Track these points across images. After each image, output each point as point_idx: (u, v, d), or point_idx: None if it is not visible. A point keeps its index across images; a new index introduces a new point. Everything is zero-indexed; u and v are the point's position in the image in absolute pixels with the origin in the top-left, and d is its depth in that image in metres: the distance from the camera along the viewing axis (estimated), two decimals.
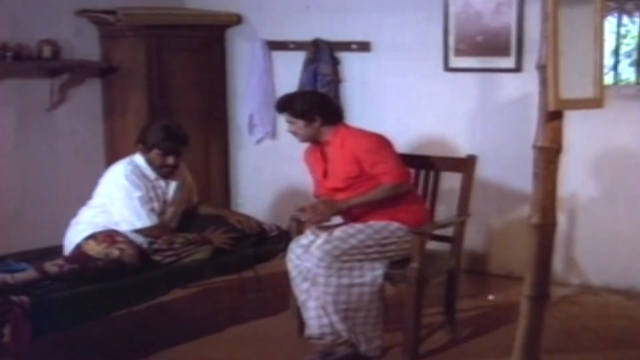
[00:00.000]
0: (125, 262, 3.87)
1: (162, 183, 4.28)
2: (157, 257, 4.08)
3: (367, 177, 4.03)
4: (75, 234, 4.12)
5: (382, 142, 4.08)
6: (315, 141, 4.19)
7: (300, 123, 4.13)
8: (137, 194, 4.14)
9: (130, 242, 4.01)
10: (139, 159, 4.26)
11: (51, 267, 3.75)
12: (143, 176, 4.21)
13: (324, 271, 3.81)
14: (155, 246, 4.11)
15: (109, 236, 3.99)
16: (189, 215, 4.51)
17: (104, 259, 3.84)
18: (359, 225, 3.97)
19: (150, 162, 4.24)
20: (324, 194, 4.19)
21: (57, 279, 3.73)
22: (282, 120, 4.37)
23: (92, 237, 4.01)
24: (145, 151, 4.24)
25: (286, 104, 4.19)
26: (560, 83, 2.56)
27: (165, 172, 4.27)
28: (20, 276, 3.68)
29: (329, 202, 4.09)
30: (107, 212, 4.16)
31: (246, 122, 6.09)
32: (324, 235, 3.93)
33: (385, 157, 4.03)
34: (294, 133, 4.19)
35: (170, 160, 4.23)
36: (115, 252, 3.87)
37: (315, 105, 4.13)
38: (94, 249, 3.90)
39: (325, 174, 4.18)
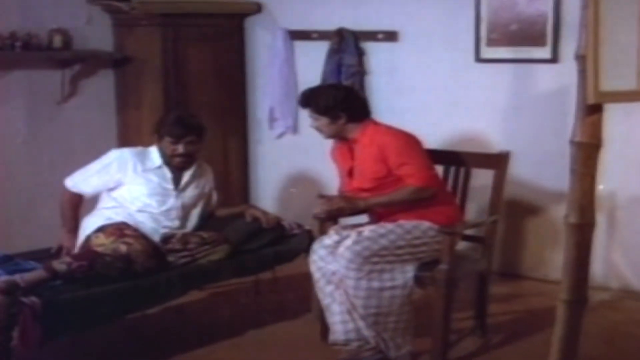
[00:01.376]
0: (133, 258, 3.88)
1: (167, 171, 4.31)
2: (171, 258, 4.09)
3: (395, 178, 4.02)
4: (87, 225, 4.20)
5: (411, 142, 4.06)
6: (342, 138, 4.18)
7: (324, 120, 4.12)
8: (98, 165, 4.30)
9: (140, 237, 4.03)
10: (152, 148, 4.37)
11: (59, 265, 3.77)
12: (140, 160, 4.29)
13: (354, 274, 3.80)
14: (169, 246, 4.13)
15: (118, 229, 4.05)
16: (206, 218, 4.54)
17: (111, 255, 3.86)
18: (389, 225, 3.96)
19: (162, 152, 4.32)
20: (349, 193, 4.19)
21: (66, 278, 3.75)
22: (305, 114, 4.37)
23: (102, 229, 4.08)
24: (158, 140, 4.33)
25: (309, 99, 4.18)
26: (601, 74, 2.54)
27: (176, 162, 4.30)
28: (29, 276, 3.70)
29: (348, 198, 4.08)
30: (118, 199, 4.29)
31: (266, 115, 6.10)
32: (353, 236, 3.91)
33: (412, 159, 4.01)
34: (318, 129, 4.19)
35: (180, 148, 4.27)
36: (122, 247, 3.89)
37: (340, 101, 4.11)
38: (102, 243, 3.96)
39: (351, 173, 4.17)
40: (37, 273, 3.75)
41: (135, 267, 3.89)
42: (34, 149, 5.36)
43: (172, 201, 4.31)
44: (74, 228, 4.26)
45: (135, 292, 3.89)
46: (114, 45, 5.72)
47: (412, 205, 4.01)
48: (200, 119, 4.47)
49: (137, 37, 5.68)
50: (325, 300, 4.00)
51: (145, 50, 5.64)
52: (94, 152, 5.52)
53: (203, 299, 4.88)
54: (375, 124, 4.17)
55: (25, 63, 5.23)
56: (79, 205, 4.35)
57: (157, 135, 4.34)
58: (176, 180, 4.35)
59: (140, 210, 4.23)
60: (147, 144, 4.44)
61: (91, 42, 5.56)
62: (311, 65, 5.78)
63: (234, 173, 6.10)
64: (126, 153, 4.35)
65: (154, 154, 4.34)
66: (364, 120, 4.15)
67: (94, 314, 3.72)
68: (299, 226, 4.59)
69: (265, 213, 4.59)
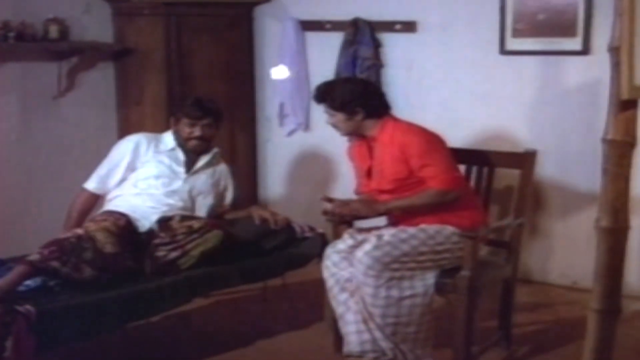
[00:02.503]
0: (92, 237, 3.94)
1: (180, 154, 4.47)
2: (160, 253, 4.10)
3: (416, 180, 4.01)
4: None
5: (434, 142, 4.04)
6: (360, 135, 4.18)
7: (340, 116, 4.12)
8: (115, 155, 4.50)
9: (103, 219, 4.09)
10: (166, 133, 4.56)
11: (33, 255, 3.84)
12: (154, 143, 4.48)
13: (373, 281, 3.79)
14: (157, 241, 4.14)
15: (99, 215, 4.23)
16: (214, 218, 4.56)
17: (74, 236, 3.94)
18: (411, 229, 3.94)
19: (177, 135, 4.49)
20: (368, 194, 4.19)
21: (44, 268, 3.79)
22: (317, 110, 4.37)
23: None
24: (175, 123, 4.53)
25: (325, 94, 4.17)
26: (636, 67, 2.52)
27: (192, 144, 4.47)
28: (8, 278, 3.73)
29: (367, 201, 4.08)
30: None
31: (276, 111, 6.10)
32: (372, 240, 3.90)
33: (435, 160, 3.99)
34: (335, 126, 4.18)
35: (197, 131, 4.45)
36: (78, 231, 4.00)
37: (358, 96, 4.10)
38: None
39: (369, 173, 4.17)
40: (15, 270, 3.78)
41: (99, 244, 3.92)
42: (28, 147, 5.37)
43: (179, 184, 4.43)
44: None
45: (138, 299, 3.90)
46: (113, 36, 5.73)
47: (435, 209, 4.00)
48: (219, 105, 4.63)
49: (138, 27, 5.69)
50: (339, 309, 4.00)
51: (147, 41, 5.65)
52: (92, 151, 5.56)
53: (208, 306, 4.89)
54: (395, 120, 4.16)
55: (19, 55, 5.24)
56: (91, 209, 4.48)
57: (174, 118, 4.56)
58: (189, 164, 4.48)
59: (139, 194, 4.33)
60: None
61: (89, 33, 5.57)
62: (324, 58, 5.78)
63: (241, 173, 6.09)
64: (140, 137, 4.55)
65: (167, 138, 4.54)
66: (383, 116, 4.14)
67: (92, 322, 3.72)
68: (311, 229, 4.59)
69: (273, 214, 4.61)
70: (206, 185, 4.54)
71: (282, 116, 6.10)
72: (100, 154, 5.51)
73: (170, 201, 4.37)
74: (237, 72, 6.08)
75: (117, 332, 4.17)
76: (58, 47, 5.35)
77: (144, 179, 4.39)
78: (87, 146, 5.62)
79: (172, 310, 4.22)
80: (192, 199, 4.46)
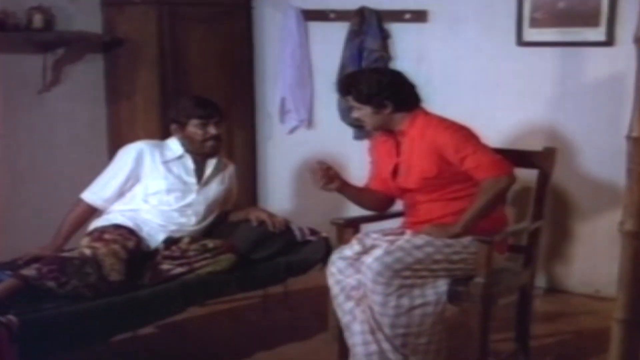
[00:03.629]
0: (100, 262, 3.91)
1: (189, 161, 4.46)
2: (164, 266, 4.10)
3: (446, 180, 3.99)
4: (88, 228, 4.35)
5: (466, 132, 4.00)
6: (388, 130, 4.16)
7: (366, 109, 4.08)
8: (115, 165, 4.46)
9: (112, 241, 4.07)
10: (170, 140, 4.52)
11: (29, 270, 3.82)
12: (159, 151, 4.44)
13: (382, 289, 3.77)
14: (166, 252, 4.16)
15: (101, 232, 4.18)
16: (219, 220, 4.60)
17: (79, 258, 3.91)
18: (425, 236, 3.93)
19: (187, 141, 4.45)
20: (381, 191, 4.20)
21: (38, 286, 3.77)
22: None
23: (91, 232, 4.24)
24: (181, 129, 4.46)
25: (350, 86, 4.12)
26: None
27: (209, 146, 4.46)
28: None
29: (441, 225, 3.97)
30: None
31: (277, 107, 6.11)
32: (383, 245, 3.89)
33: (472, 148, 3.93)
34: (360, 120, 4.16)
35: (212, 130, 4.44)
36: (86, 251, 3.97)
37: (386, 87, 4.05)
38: (81, 245, 4.08)
39: (395, 171, 4.16)
40: (7, 282, 3.77)
41: (105, 271, 3.90)
42: (12, 144, 5.37)
43: (192, 197, 4.44)
44: (63, 245, 4.31)
45: (128, 308, 3.88)
46: (102, 26, 5.73)
47: (454, 211, 3.99)
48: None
49: (129, 16, 5.69)
50: (344, 318, 3.99)
51: (139, 32, 5.65)
52: (80, 148, 5.56)
53: (204, 316, 4.89)
54: (427, 114, 4.11)
55: (0, 46, 5.23)
56: (86, 222, 4.44)
57: (176, 124, 4.48)
58: (199, 172, 4.49)
59: (149, 210, 4.34)
60: (141, 137, 4.49)
61: (77, 22, 5.57)
62: (328, 50, 5.78)
63: (240, 173, 6.07)
64: (142, 145, 4.49)
65: (173, 145, 4.50)
66: (414, 109, 4.12)
67: (78, 333, 3.71)
68: (314, 232, 4.59)
69: (271, 215, 4.61)
70: (219, 194, 4.57)
71: (283, 112, 6.11)
72: (89, 151, 5.54)
73: (182, 219, 4.38)
74: (235, 65, 6.09)
75: (105, 344, 4.15)
76: (43, 37, 5.35)
77: (154, 193, 4.38)
78: (74, 144, 5.62)
79: (164, 321, 4.22)
80: (207, 211, 4.49)
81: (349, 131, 5.60)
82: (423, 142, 4.01)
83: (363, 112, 4.08)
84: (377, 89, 4.02)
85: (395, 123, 4.09)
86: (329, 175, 4.13)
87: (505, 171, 3.94)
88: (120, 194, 4.42)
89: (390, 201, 4.32)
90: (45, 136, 5.53)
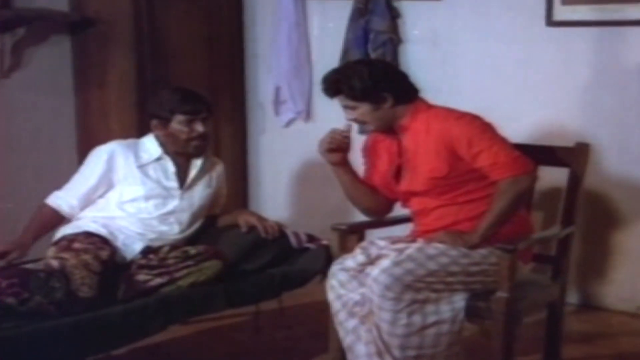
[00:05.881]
0: (69, 275, 3.91)
1: (169, 164, 4.45)
2: (140, 277, 4.12)
3: (458, 179, 3.99)
4: (55, 235, 4.34)
5: (479, 123, 4.00)
6: (390, 127, 4.16)
7: (365, 107, 4.06)
8: (84, 170, 4.45)
9: (84, 250, 4.08)
10: (146, 139, 4.51)
11: None
12: (133, 153, 4.42)
13: (391, 304, 3.78)
14: (143, 261, 4.17)
15: (70, 240, 4.18)
16: (203, 229, 4.62)
17: (45, 270, 3.92)
18: (439, 244, 3.95)
19: (170, 139, 4.44)
20: (380, 189, 4.22)
21: None
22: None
23: (58, 241, 4.24)
24: (163, 126, 4.44)
25: (339, 84, 4.08)
26: None
27: (195, 146, 4.45)
28: None
29: (454, 232, 3.98)
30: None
31: (271, 97, 6.13)
32: (391, 255, 3.89)
33: (487, 143, 3.92)
34: (361, 122, 4.14)
35: (199, 127, 4.42)
36: (54, 263, 3.97)
37: (382, 77, 4.05)
38: (47, 256, 4.09)
39: (398, 174, 4.17)
40: None
41: (74, 285, 3.91)
42: None
43: (175, 203, 4.45)
44: (29, 244, 4.32)
45: (99, 327, 3.87)
46: (69, 3, 5.73)
47: (470, 215, 4.00)
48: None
49: None
50: (347, 339, 4.00)
51: (112, 10, 5.65)
52: (44, 143, 5.55)
53: (186, 336, 4.90)
54: (429, 106, 4.12)
55: None
56: (54, 227, 4.43)
57: (158, 120, 4.46)
58: (181, 175, 4.48)
59: (125, 217, 4.35)
60: (114, 131, 4.49)
61: None
62: (329, 32, 5.80)
63: (228, 172, 6.08)
64: (114, 146, 4.46)
65: (149, 144, 4.48)
66: (414, 100, 4.13)
67: (42, 356, 3.72)
68: (312, 239, 4.60)
69: (262, 219, 4.62)
70: (206, 198, 4.57)
71: (278, 103, 6.13)
72: (55, 146, 5.53)
73: (164, 227, 4.40)
74: (223, 49, 6.10)
75: None
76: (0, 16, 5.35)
77: (131, 200, 4.37)
78: (38, 138, 5.61)
79: (140, 342, 4.20)
80: (192, 219, 4.50)
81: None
82: (429, 136, 4.00)
83: (361, 111, 4.06)
84: (372, 81, 4.01)
85: (396, 118, 4.09)
86: (338, 143, 4.16)
87: (525, 169, 3.95)
88: (91, 201, 4.42)
89: (390, 204, 4.32)
90: (3, 130, 5.53)
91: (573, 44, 5.25)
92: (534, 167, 3.99)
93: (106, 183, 4.40)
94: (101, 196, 4.41)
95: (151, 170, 4.43)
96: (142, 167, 4.41)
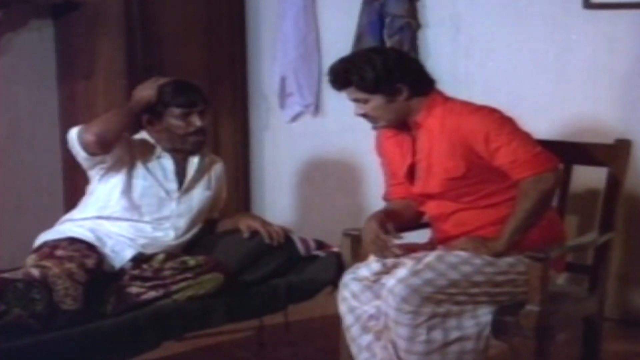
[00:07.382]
0: (51, 284, 3.91)
1: (168, 162, 4.48)
2: (133, 289, 4.12)
3: (477, 179, 4.00)
4: (37, 241, 4.35)
5: (500, 116, 4.00)
6: (403, 122, 4.15)
7: (378, 99, 4.05)
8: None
9: (67, 258, 4.08)
10: (140, 135, 4.52)
11: None
12: (140, 149, 4.46)
13: (409, 319, 3.78)
14: (135, 272, 4.16)
15: (53, 247, 4.18)
16: (201, 235, 4.63)
17: (24, 280, 3.91)
18: (461, 252, 3.94)
19: (164, 136, 4.46)
20: (402, 200, 4.22)
21: None
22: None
23: (40, 247, 4.25)
24: (158, 120, 4.46)
25: (349, 74, 4.07)
26: None
27: (193, 141, 4.47)
28: None
29: (477, 239, 3.98)
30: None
31: (276, 89, 6.14)
32: (408, 263, 3.88)
33: (509, 137, 3.92)
34: (373, 117, 4.12)
35: (196, 121, 4.44)
36: (34, 272, 3.96)
37: (396, 66, 4.04)
38: (27, 264, 4.09)
39: (411, 174, 4.17)
40: None
41: (57, 297, 3.91)
42: None
43: (171, 207, 4.46)
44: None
45: (86, 343, 3.88)
46: None
47: (491, 219, 4.00)
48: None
49: None
50: (360, 356, 4.00)
51: None
52: (25, 138, 5.56)
53: (183, 354, 4.91)
54: (445, 99, 4.11)
55: None
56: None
57: (150, 115, 4.48)
58: (179, 175, 4.51)
59: (115, 219, 4.36)
60: None
61: None
62: (340, 16, 5.81)
63: (229, 171, 6.09)
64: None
65: (146, 140, 4.51)
66: (430, 93, 4.12)
67: None
68: (321, 245, 4.61)
69: (265, 224, 4.62)
70: (204, 202, 4.58)
71: (283, 96, 6.14)
72: (37, 142, 5.54)
73: (158, 233, 4.41)
74: (222, 35, 6.11)
75: None
76: None
77: (126, 193, 4.40)
78: (18, 132, 5.63)
79: (133, 359, 4.21)
80: (189, 224, 4.51)
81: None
82: (444, 133, 4.00)
83: (373, 104, 4.05)
84: (385, 71, 4.00)
85: (410, 112, 4.08)
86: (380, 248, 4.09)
87: (548, 166, 3.93)
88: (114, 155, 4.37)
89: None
90: None
91: (613, 29, 5.24)
92: (557, 163, 3.98)
93: (123, 160, 4.40)
94: (112, 170, 4.39)
95: (152, 169, 4.45)
96: (146, 163, 4.45)
